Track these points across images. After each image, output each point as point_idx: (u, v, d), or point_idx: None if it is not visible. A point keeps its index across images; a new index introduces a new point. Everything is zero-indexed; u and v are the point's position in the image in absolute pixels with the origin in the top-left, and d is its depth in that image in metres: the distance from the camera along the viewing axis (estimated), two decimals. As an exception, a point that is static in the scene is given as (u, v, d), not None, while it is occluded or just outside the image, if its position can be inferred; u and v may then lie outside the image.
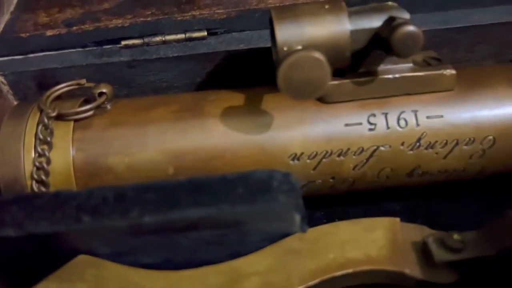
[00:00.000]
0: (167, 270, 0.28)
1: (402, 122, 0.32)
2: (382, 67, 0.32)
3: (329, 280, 0.27)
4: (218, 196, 0.27)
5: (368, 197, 0.36)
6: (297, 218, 0.28)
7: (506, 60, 0.37)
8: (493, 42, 0.39)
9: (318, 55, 0.28)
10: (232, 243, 0.29)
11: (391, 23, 0.29)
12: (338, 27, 0.30)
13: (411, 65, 0.32)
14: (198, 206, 0.27)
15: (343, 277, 0.27)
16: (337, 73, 0.32)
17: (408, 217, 0.31)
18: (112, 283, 0.27)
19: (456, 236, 0.27)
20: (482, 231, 0.27)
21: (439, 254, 0.27)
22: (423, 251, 0.28)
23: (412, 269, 0.27)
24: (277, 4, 0.37)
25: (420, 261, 0.28)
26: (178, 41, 0.39)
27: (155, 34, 0.39)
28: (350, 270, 0.27)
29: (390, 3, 0.32)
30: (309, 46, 0.30)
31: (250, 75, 0.36)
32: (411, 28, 0.28)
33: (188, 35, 0.39)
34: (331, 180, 0.33)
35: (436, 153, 0.32)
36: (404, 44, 0.28)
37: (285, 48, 0.30)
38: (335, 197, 0.36)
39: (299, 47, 0.29)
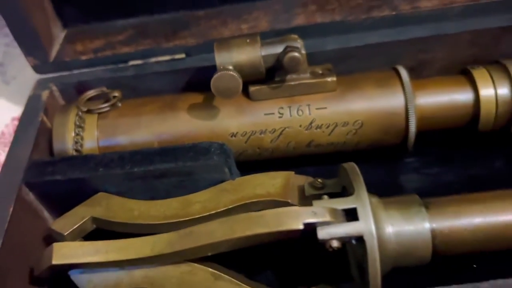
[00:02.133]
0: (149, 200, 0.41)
1: (300, 112, 0.42)
2: (288, 77, 0.42)
3: (242, 206, 0.38)
4: (177, 157, 0.40)
5: (293, 164, 0.44)
6: (226, 170, 0.41)
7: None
8: (384, 55, 0.46)
9: (232, 72, 0.39)
10: (190, 187, 0.41)
11: (285, 50, 0.41)
12: (253, 54, 0.41)
13: (308, 75, 0.42)
14: (164, 162, 0.40)
15: (251, 204, 0.38)
16: (259, 81, 0.43)
17: (317, 177, 0.40)
18: (116, 207, 0.40)
19: (319, 180, 0.38)
20: (337, 178, 0.39)
21: (308, 190, 0.38)
22: (301, 190, 0.39)
23: (293, 200, 0.38)
24: (227, 36, 0.47)
25: (298, 196, 0.38)
26: (166, 61, 0.47)
27: (151, 57, 0.48)
28: (255, 200, 0.38)
29: (293, 35, 0.42)
30: (236, 66, 0.41)
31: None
32: (294, 54, 0.40)
33: (172, 57, 0.48)
34: (257, 149, 0.43)
35: (323, 131, 0.42)
36: (290, 64, 0.40)
37: (221, 67, 0.41)
38: (270, 164, 0.44)
39: (230, 67, 0.41)
